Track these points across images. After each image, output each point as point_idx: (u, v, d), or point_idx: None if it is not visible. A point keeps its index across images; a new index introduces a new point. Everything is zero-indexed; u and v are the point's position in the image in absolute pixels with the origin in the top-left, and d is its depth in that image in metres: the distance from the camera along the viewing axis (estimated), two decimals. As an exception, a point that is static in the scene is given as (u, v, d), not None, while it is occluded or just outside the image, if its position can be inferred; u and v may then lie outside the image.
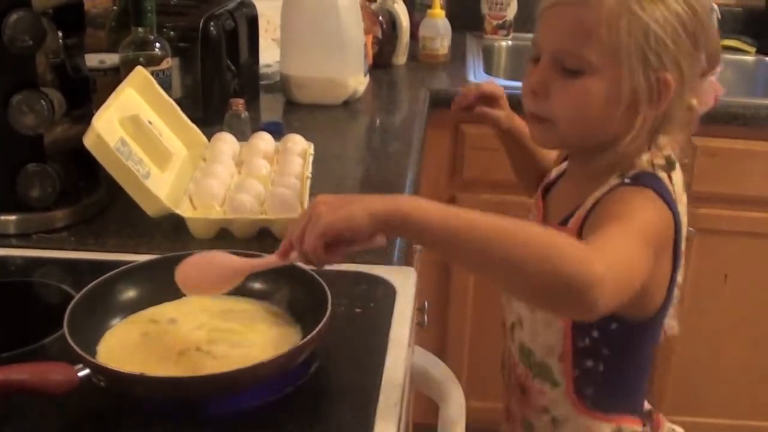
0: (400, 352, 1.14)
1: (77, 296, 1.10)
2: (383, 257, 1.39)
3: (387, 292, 1.26)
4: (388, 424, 1.00)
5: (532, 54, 1.27)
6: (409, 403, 1.23)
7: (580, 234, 1.20)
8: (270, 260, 1.08)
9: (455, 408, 1.26)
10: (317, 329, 1.03)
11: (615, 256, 1.03)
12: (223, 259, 1.12)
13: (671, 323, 1.33)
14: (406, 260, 1.44)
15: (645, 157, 1.24)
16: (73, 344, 0.99)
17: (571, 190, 1.35)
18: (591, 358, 1.30)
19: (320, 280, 1.13)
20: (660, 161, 1.25)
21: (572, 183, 1.37)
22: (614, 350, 1.29)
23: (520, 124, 1.55)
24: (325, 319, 1.05)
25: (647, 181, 1.22)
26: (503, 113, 1.56)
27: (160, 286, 1.18)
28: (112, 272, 1.17)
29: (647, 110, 1.20)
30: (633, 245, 1.08)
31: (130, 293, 1.17)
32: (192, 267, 1.11)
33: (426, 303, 1.82)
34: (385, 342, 1.15)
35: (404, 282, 1.30)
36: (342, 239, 0.99)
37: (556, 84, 1.22)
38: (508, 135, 1.58)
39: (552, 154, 1.54)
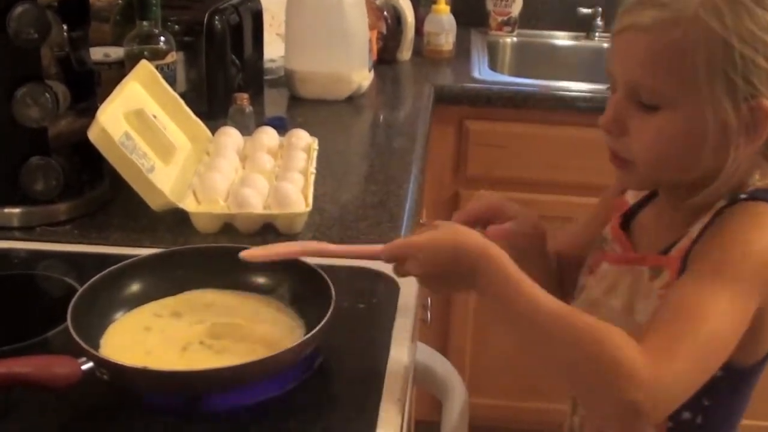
0: (403, 348, 1.14)
1: (81, 290, 1.10)
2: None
3: (390, 288, 1.26)
4: (391, 421, 0.99)
5: (610, 83, 1.13)
6: (411, 400, 1.23)
7: (683, 265, 1.08)
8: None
9: (458, 405, 1.25)
10: (321, 325, 1.03)
11: (678, 358, 0.94)
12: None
13: None
14: (410, 256, 1.44)
15: (757, 176, 1.09)
16: (76, 337, 0.99)
17: (667, 217, 1.18)
18: (689, 409, 1.13)
19: (324, 275, 1.13)
20: None
21: (668, 211, 1.19)
22: (716, 400, 1.13)
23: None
24: (328, 315, 1.04)
25: (764, 194, 1.06)
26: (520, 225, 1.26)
27: (164, 279, 1.18)
28: (116, 266, 1.17)
29: (744, 144, 1.04)
30: (726, 317, 0.97)
31: (134, 287, 1.17)
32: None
33: (429, 299, 1.82)
34: (388, 338, 1.15)
35: (408, 278, 1.30)
36: None
37: (633, 120, 1.08)
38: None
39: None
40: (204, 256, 1.23)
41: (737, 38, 0.99)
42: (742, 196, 1.06)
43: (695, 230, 1.09)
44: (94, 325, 1.09)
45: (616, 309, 1.17)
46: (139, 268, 1.19)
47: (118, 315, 1.13)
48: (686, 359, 0.94)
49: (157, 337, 1.10)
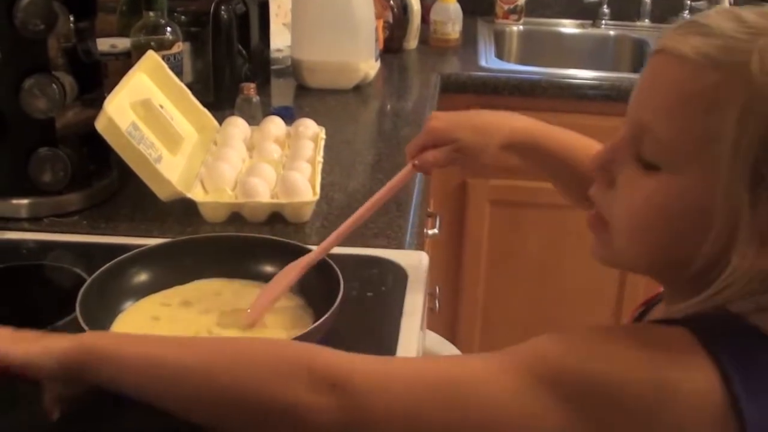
0: (412, 336, 1.14)
1: (89, 280, 1.10)
2: (395, 241, 1.39)
3: (398, 276, 1.26)
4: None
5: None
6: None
7: None
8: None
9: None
10: (329, 313, 1.03)
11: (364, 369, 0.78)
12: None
13: None
14: (418, 244, 1.44)
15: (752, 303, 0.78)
16: (85, 327, 0.99)
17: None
18: None
19: (332, 264, 1.13)
20: None
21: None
22: None
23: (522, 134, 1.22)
24: (336, 303, 1.05)
25: (725, 340, 0.76)
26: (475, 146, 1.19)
27: (172, 269, 1.19)
28: (124, 255, 1.17)
29: (753, 256, 0.76)
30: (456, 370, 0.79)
31: (142, 276, 1.17)
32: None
33: (437, 288, 1.82)
34: (397, 326, 1.15)
35: (416, 266, 1.30)
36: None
37: (625, 173, 0.83)
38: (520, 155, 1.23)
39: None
40: (212, 245, 1.23)
41: None
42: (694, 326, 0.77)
43: None
44: (103, 314, 1.09)
45: None
46: (147, 257, 1.19)
47: (127, 305, 1.14)
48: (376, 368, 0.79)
49: (165, 326, 1.10)
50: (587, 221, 0.88)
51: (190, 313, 1.13)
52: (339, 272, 1.11)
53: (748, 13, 0.79)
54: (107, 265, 1.14)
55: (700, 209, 0.77)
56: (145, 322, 1.11)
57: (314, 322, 1.06)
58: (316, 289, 1.14)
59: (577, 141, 1.23)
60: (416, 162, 1.19)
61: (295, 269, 1.15)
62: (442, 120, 1.19)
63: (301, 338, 1.01)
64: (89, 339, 0.84)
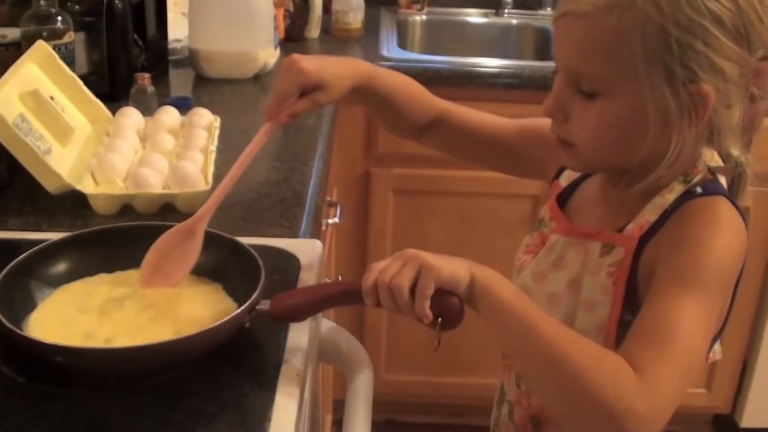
0: (304, 324, 1.13)
1: (7, 268, 1.09)
2: (289, 230, 1.39)
3: (291, 265, 1.26)
4: (289, 396, 0.99)
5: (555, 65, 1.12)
6: (315, 376, 1.22)
7: (643, 243, 1.10)
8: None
9: (362, 377, 1.25)
10: (257, 292, 1.07)
11: (667, 384, 0.95)
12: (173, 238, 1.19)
13: (714, 347, 1.17)
14: (314, 233, 1.43)
15: (704, 157, 1.12)
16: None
17: (614, 197, 1.19)
18: None
19: (249, 248, 1.17)
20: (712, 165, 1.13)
21: (613, 191, 1.19)
22: None
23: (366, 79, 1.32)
24: (261, 283, 1.08)
25: (715, 186, 1.10)
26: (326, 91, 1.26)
27: (94, 259, 1.18)
28: (43, 245, 1.16)
29: (686, 128, 1.05)
30: (700, 327, 1.00)
31: (62, 266, 1.16)
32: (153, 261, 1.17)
33: (340, 276, 1.81)
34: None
35: (309, 254, 1.30)
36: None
37: (574, 107, 1.09)
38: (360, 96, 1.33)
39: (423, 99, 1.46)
40: (134, 234, 1.22)
41: (674, 24, 0.99)
42: (698, 190, 1.09)
43: (652, 211, 1.11)
44: (21, 303, 1.09)
45: (562, 282, 1.18)
46: (68, 246, 1.18)
47: (46, 293, 1.13)
48: (673, 378, 0.96)
49: (84, 314, 1.10)
50: (556, 146, 1.14)
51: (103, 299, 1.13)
52: (256, 255, 1.15)
53: None
54: (24, 254, 1.13)
55: (639, 114, 1.04)
56: (63, 312, 1.10)
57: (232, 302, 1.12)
58: (231, 272, 1.17)
59: (404, 85, 1.42)
60: (286, 119, 1.29)
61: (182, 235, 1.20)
62: (310, 62, 1.23)
63: (234, 318, 1.03)
64: (483, 275, 1.02)
